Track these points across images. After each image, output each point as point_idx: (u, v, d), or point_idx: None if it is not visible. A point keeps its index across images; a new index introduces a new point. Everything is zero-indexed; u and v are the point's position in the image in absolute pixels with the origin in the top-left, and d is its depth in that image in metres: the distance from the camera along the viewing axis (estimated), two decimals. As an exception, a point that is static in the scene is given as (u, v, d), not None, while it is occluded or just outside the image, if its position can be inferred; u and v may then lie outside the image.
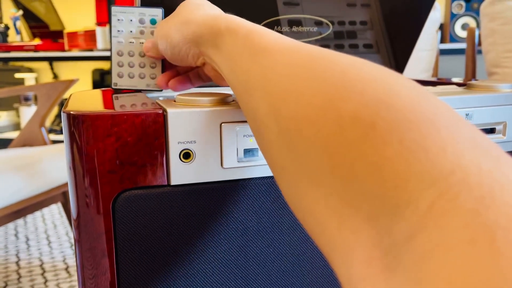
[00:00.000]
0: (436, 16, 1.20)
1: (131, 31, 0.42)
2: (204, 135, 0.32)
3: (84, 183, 0.31)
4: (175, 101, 0.34)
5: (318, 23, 0.60)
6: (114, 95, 0.40)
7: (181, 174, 0.32)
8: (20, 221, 1.78)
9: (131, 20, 0.42)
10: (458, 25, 2.13)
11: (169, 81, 0.41)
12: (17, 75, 2.46)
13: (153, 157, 0.31)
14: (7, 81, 2.50)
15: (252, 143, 0.33)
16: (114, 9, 0.41)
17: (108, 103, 0.36)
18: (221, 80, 0.36)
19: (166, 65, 0.42)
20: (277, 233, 0.35)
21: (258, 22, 0.57)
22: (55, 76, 2.60)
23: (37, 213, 1.85)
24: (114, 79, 0.42)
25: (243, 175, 0.34)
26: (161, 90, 0.44)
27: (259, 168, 0.34)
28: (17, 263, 1.44)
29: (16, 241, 1.60)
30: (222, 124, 0.32)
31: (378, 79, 0.20)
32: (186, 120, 0.31)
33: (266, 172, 0.34)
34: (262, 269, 0.36)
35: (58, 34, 2.36)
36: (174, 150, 0.31)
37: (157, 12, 0.42)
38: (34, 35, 2.42)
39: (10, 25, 2.43)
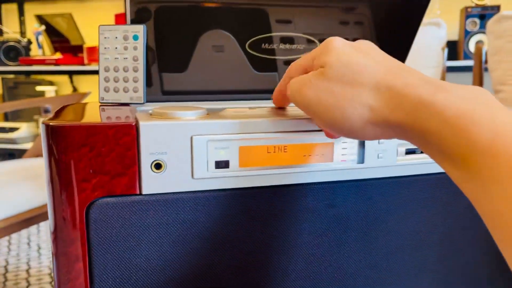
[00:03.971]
0: (441, 34, 1.20)
1: (116, 48, 0.44)
2: (175, 147, 0.33)
3: (59, 190, 0.32)
4: (151, 114, 0.36)
5: (310, 41, 0.62)
6: (101, 107, 0.42)
7: (152, 183, 0.33)
8: (33, 230, 1.82)
9: (116, 37, 0.44)
10: (472, 42, 2.11)
11: (277, 96, 0.38)
12: (38, 88, 2.55)
13: (125, 167, 0.33)
14: (28, 93, 2.58)
15: (223, 155, 0.35)
16: (102, 28, 0.43)
17: (90, 115, 0.38)
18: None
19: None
20: (249, 243, 0.36)
21: (250, 38, 0.59)
22: (75, 89, 2.68)
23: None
24: (101, 93, 0.44)
25: (214, 186, 0.35)
26: (143, 103, 0.45)
27: (230, 179, 0.35)
28: (27, 271, 1.48)
29: (28, 249, 1.64)
30: (193, 136, 0.33)
31: None
32: (158, 132, 0.33)
33: (238, 183, 0.35)
34: (235, 278, 0.36)
35: (78, 48, 2.44)
36: (145, 160, 0.33)
37: (139, 28, 0.44)
38: (55, 50, 2.50)
39: (33, 39, 2.52)
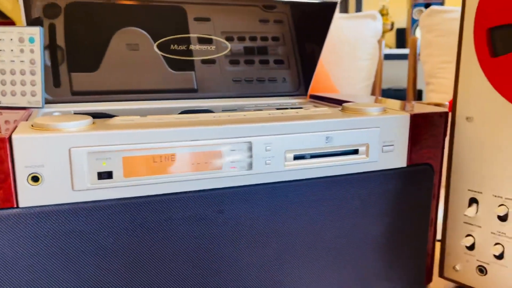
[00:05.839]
0: (377, 26, 1.23)
1: (12, 50, 0.43)
2: (53, 159, 0.33)
3: None
4: (32, 126, 0.35)
5: (230, 39, 0.62)
6: (-9, 114, 0.41)
7: (30, 196, 0.33)
8: None
9: (11, 39, 0.43)
10: (419, 30, 2.17)
11: None
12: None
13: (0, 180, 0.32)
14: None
15: (105, 166, 0.35)
16: (-8, 30, 0.42)
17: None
18: None
19: None
20: (134, 253, 0.37)
21: (167, 37, 0.58)
22: None
23: None
24: (-5, 97, 0.43)
25: (97, 197, 0.35)
26: (42, 107, 0.45)
27: (115, 190, 0.35)
28: None
29: None
30: (71, 149, 0.33)
31: None
32: (33, 145, 0.32)
33: (123, 193, 0.36)
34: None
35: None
36: (21, 173, 0.32)
37: (35, 31, 0.43)
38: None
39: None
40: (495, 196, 0.45)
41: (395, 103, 0.53)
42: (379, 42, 1.27)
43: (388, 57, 2.08)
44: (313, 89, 0.79)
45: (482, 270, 0.47)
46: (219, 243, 0.39)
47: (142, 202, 0.36)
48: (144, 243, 0.37)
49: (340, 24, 1.21)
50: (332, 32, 1.25)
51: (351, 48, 1.19)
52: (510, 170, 0.43)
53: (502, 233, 0.45)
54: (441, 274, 0.51)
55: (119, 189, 0.36)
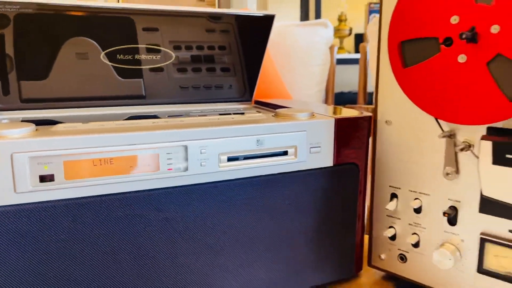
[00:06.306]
0: (329, 33, 1.30)
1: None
2: (-5, 164, 0.36)
3: None
4: (-24, 132, 0.38)
5: (177, 48, 0.65)
6: None
7: (-27, 199, 0.35)
8: None
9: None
10: (375, 36, 2.27)
11: None
12: None
13: None
14: None
15: (47, 170, 0.38)
16: None
17: None
18: None
19: None
20: (76, 251, 0.40)
21: (116, 46, 0.61)
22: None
23: None
24: None
25: (39, 199, 0.38)
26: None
27: (56, 191, 0.38)
28: None
29: None
30: (13, 154, 0.36)
31: None
32: (-24, 151, 0.35)
33: (64, 195, 0.38)
34: None
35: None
36: (-36, 178, 0.35)
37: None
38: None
39: None
40: (411, 191, 0.50)
41: (329, 109, 0.58)
42: (331, 48, 1.33)
43: (346, 61, 2.16)
44: (266, 94, 0.82)
45: (402, 257, 0.52)
46: (158, 240, 0.43)
47: (83, 202, 0.39)
48: (85, 241, 0.40)
49: (293, 32, 1.27)
50: (285, 39, 1.30)
51: (303, 55, 1.25)
52: (422, 167, 0.49)
53: (417, 224, 0.50)
54: (369, 263, 0.56)
55: (61, 191, 0.38)
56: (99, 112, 0.59)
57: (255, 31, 0.66)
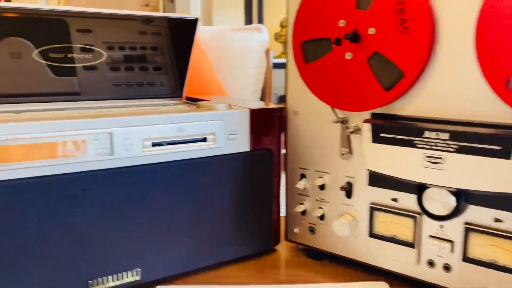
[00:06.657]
0: (264, 37, 1.39)
1: None
2: None
3: None
4: None
5: (111, 48, 0.70)
6: None
7: None
8: None
9: None
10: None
11: None
12: None
13: None
14: None
15: (-20, 154, 0.41)
16: None
17: None
18: None
19: None
20: (11, 231, 0.44)
21: (49, 45, 0.65)
22: None
23: None
24: None
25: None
26: None
27: (-11, 174, 0.42)
28: None
29: None
30: None
31: None
32: None
33: (-2, 177, 0.43)
34: None
35: None
36: None
37: None
38: None
39: None
40: (316, 171, 0.58)
41: (257, 104, 0.64)
42: (267, 52, 1.41)
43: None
44: (204, 92, 0.88)
45: (312, 230, 0.60)
46: (87, 219, 0.47)
47: (15, 184, 0.44)
48: (19, 222, 0.44)
49: (230, 36, 1.34)
50: (223, 42, 1.37)
51: (239, 57, 1.32)
52: (324, 150, 0.56)
53: (322, 199, 0.58)
54: (286, 238, 0.63)
55: (-6, 173, 0.42)
56: (33, 107, 0.63)
57: (183, 33, 0.72)
